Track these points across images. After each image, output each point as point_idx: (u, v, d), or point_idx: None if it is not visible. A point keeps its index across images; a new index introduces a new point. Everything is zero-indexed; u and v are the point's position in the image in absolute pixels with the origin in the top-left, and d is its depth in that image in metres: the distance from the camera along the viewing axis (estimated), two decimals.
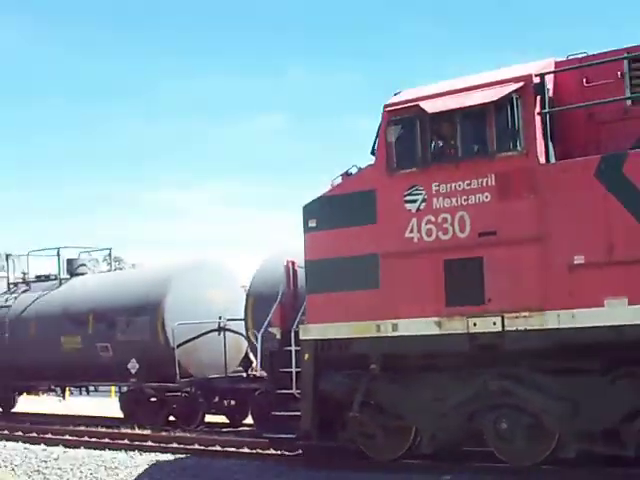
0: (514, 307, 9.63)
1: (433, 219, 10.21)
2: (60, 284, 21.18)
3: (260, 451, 12.81)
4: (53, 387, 21.92)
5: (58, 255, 21.76)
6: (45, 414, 22.11)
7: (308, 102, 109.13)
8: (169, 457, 13.18)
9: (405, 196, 10.40)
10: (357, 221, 10.81)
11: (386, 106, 10.69)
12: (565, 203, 9.44)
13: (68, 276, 21.37)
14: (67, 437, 16.02)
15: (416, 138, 10.35)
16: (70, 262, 21.63)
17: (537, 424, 9.90)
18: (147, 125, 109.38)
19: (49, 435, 16.38)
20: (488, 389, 10.12)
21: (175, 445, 14.19)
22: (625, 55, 9.65)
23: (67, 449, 14.61)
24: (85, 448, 14.55)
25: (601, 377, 9.45)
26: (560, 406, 9.65)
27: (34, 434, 16.59)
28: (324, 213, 11.22)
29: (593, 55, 10.13)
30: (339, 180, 11.32)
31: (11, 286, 22.69)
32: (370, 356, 10.84)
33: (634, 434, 9.35)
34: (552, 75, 10.12)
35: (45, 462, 13.46)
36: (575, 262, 9.31)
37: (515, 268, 9.66)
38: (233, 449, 13.32)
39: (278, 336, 11.82)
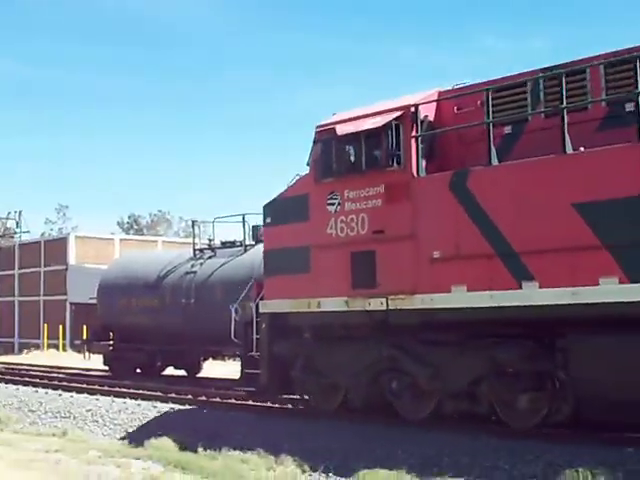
0: (395, 291, 12.11)
1: (345, 219, 12.80)
2: (245, 250, 21.59)
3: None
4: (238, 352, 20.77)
5: (243, 222, 22.07)
6: (230, 379, 21.18)
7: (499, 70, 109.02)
8: None
9: (327, 200, 13.04)
10: (296, 219, 13.56)
11: (316, 127, 13.35)
12: (429, 209, 11.80)
13: (253, 242, 21.25)
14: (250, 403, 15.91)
15: (332, 154, 12.97)
16: (255, 229, 20.83)
17: (416, 385, 12.39)
18: None
19: (232, 400, 16.43)
20: (383, 355, 12.67)
21: None
22: (485, 88, 11.80)
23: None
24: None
25: (454, 348, 11.81)
26: (427, 371, 12.10)
27: (218, 399, 16.89)
28: (276, 212, 14.09)
29: (467, 85, 12.35)
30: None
31: (197, 252, 23.02)
32: (303, 327, 13.64)
33: (483, 395, 11.69)
34: (434, 103, 12.43)
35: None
36: (434, 256, 11.69)
37: (396, 260, 12.12)
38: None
39: (254, 309, 14.80)
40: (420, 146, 12.07)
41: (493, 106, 11.59)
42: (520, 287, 10.79)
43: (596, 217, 10.12)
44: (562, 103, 10.68)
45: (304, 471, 11.02)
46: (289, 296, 13.63)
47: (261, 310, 14.28)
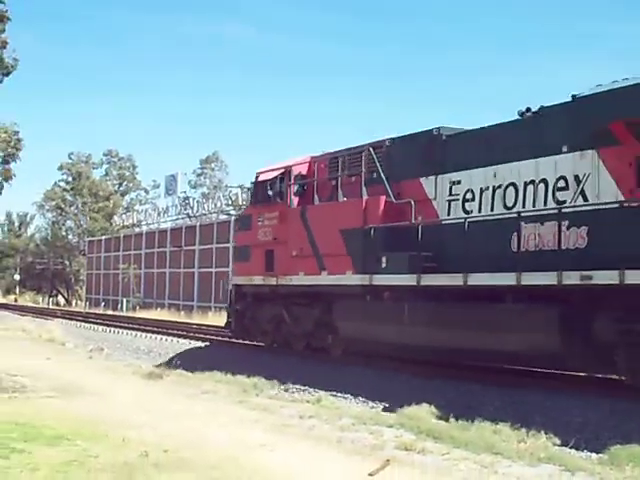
0: (280, 274, 20.89)
1: (263, 230, 21.66)
2: None
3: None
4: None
5: None
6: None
7: None
8: None
9: (257, 218, 21.93)
10: (246, 228, 22.59)
11: (256, 173, 22.32)
12: (293, 227, 20.39)
13: None
14: None
15: (259, 191, 21.95)
16: None
17: (293, 330, 21.17)
18: None
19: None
20: (278, 312, 21.50)
21: None
22: (323, 156, 20.26)
23: None
24: None
25: (308, 307, 20.41)
26: (294, 321, 20.83)
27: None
28: (240, 222, 23.35)
29: (324, 153, 20.78)
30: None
31: None
32: (247, 293, 22.73)
33: (323, 336, 20.25)
34: (306, 164, 21.05)
35: None
36: (293, 254, 20.34)
37: (280, 256, 20.86)
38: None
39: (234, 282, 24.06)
40: (292, 190, 20.75)
41: (329, 168, 20.07)
42: (320, 274, 19.30)
43: (347, 237, 18.37)
44: (339, 171, 19.14)
45: (555, 444, 11.06)
46: (242, 274, 22.75)
47: (231, 283, 23.66)
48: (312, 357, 20.17)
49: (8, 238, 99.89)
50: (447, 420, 12.59)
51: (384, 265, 17.02)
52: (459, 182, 16.26)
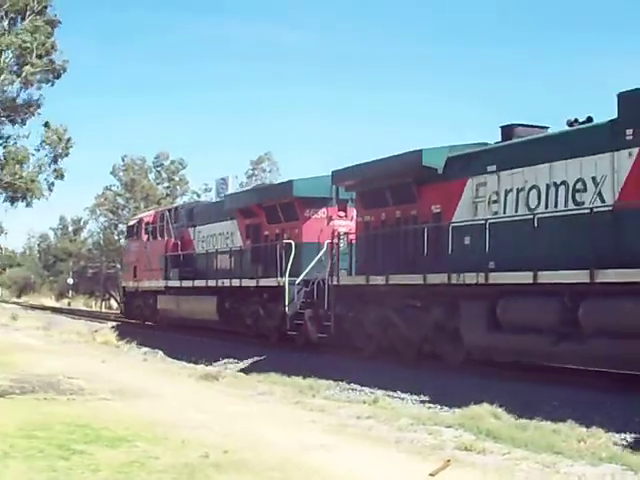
0: (139, 280, 35.93)
1: (132, 253, 36.98)
2: None
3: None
4: None
5: None
6: None
7: None
8: None
9: (130, 246, 37.90)
10: (126, 252, 39.55)
11: (128, 219, 36.58)
12: (142, 253, 35.01)
13: None
14: None
15: (129, 230, 38.12)
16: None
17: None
18: None
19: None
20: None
21: None
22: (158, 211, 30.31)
23: None
24: None
25: (151, 300, 35.02)
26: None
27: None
28: (124, 249, 40.40)
29: (160, 209, 33.51)
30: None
31: None
32: (127, 291, 37.59)
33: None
34: (152, 216, 35.63)
35: None
36: (142, 269, 35.32)
37: (138, 269, 36.03)
38: None
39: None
40: (145, 231, 35.12)
41: (159, 219, 34.07)
42: (153, 280, 34.09)
43: (160, 260, 32.57)
44: (159, 222, 34.13)
45: (615, 444, 10.99)
46: (126, 280, 39.34)
47: (121, 285, 39.04)
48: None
49: (62, 242, 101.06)
50: (506, 420, 12.48)
51: (171, 275, 31.37)
52: (200, 232, 30.80)
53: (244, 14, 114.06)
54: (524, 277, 14.45)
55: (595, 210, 13.60)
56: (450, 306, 16.59)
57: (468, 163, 16.86)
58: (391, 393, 15.87)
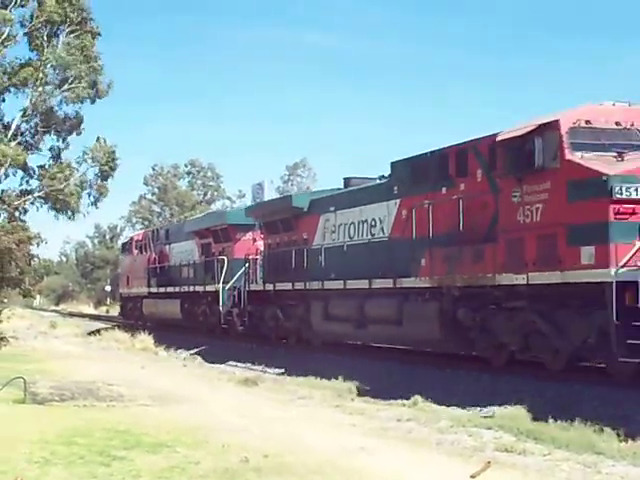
0: (131, 287, 43.15)
1: (127, 265, 44.63)
2: None
3: None
4: None
5: None
6: None
7: None
8: None
9: (125, 260, 44.74)
10: (122, 264, 46.75)
11: (123, 238, 46.04)
12: (133, 265, 42.33)
13: None
14: None
15: (124, 247, 46.24)
16: None
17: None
18: None
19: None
20: (136, 305, 42.25)
21: None
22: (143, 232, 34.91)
23: None
24: None
25: (138, 303, 41.85)
26: (130, 309, 41.91)
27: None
28: (120, 262, 47.19)
29: (148, 230, 36.43)
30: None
31: None
32: (123, 296, 45.23)
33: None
34: (142, 235, 44.23)
35: None
36: (133, 278, 42.48)
37: (130, 279, 42.94)
38: None
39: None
40: (135, 247, 42.83)
41: (146, 237, 41.59)
42: (140, 288, 41.40)
43: (144, 271, 40.28)
44: (146, 240, 41.39)
45: None
46: (123, 287, 46.95)
47: (120, 291, 45.32)
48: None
49: (99, 250, 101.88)
50: (546, 420, 12.36)
51: (152, 283, 38.75)
52: (174, 248, 37.97)
53: (274, 18, 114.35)
54: (339, 284, 21.50)
55: (379, 240, 20.14)
56: (307, 304, 23.59)
57: (321, 204, 23.80)
58: (430, 395, 15.47)
